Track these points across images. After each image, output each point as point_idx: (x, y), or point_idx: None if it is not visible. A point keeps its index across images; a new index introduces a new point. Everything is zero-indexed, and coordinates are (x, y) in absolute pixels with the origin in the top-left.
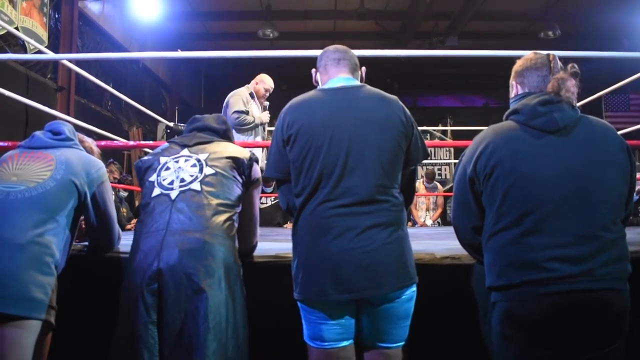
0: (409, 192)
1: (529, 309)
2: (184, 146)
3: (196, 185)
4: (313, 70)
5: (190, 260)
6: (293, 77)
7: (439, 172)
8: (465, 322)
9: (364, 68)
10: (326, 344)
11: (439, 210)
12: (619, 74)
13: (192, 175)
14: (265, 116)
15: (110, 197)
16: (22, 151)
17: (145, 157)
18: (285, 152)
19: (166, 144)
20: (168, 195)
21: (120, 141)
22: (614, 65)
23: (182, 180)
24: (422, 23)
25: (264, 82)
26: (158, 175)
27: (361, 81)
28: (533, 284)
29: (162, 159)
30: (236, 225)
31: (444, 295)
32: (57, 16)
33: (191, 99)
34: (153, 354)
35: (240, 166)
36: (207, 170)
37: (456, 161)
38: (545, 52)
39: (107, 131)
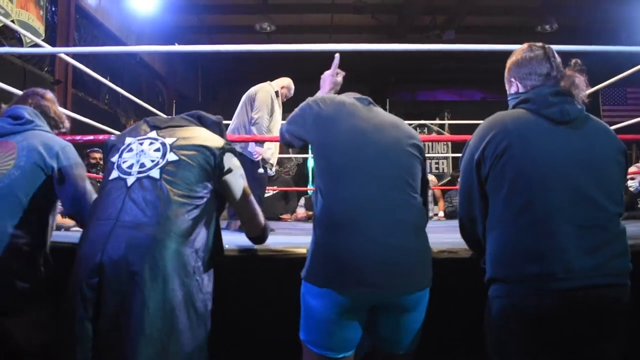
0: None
1: (540, 304)
2: (154, 127)
3: (155, 173)
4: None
5: (135, 257)
6: (290, 71)
7: (437, 165)
8: (463, 317)
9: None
10: (327, 352)
11: (441, 201)
12: (615, 68)
13: (152, 161)
14: (268, 152)
15: (79, 171)
16: None
17: (113, 136)
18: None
19: (139, 122)
20: (125, 181)
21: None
22: (611, 59)
23: (142, 165)
24: (419, 17)
25: (290, 89)
26: (120, 157)
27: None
28: (547, 278)
29: (127, 140)
30: (202, 219)
31: (440, 291)
32: (53, 9)
33: (188, 91)
34: (86, 351)
35: (210, 156)
36: (170, 157)
37: (454, 155)
38: (539, 44)
39: (104, 124)
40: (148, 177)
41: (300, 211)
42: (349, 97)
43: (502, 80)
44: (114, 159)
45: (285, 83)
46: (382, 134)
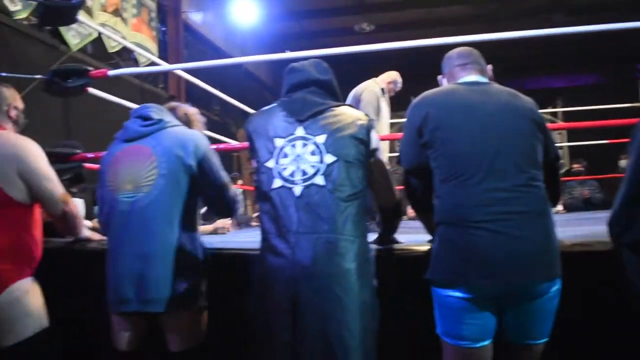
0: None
1: None
2: (295, 122)
3: (319, 180)
4: (439, 77)
5: (323, 266)
6: (392, 69)
7: None
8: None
9: (490, 66)
10: (464, 342)
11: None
12: None
13: (313, 167)
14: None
15: (216, 162)
16: (121, 146)
17: (254, 119)
18: (418, 142)
19: (273, 107)
20: (291, 190)
21: (230, 144)
22: None
23: (304, 172)
24: (523, 1)
25: (397, 82)
26: (277, 163)
27: (489, 80)
28: None
29: (278, 142)
30: (364, 208)
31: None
32: (164, 29)
33: None
34: (286, 358)
35: (362, 141)
36: (328, 159)
37: (569, 144)
38: None
39: (216, 134)
40: (313, 184)
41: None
42: (460, 85)
43: (619, 62)
44: (270, 164)
45: (391, 78)
46: (499, 120)
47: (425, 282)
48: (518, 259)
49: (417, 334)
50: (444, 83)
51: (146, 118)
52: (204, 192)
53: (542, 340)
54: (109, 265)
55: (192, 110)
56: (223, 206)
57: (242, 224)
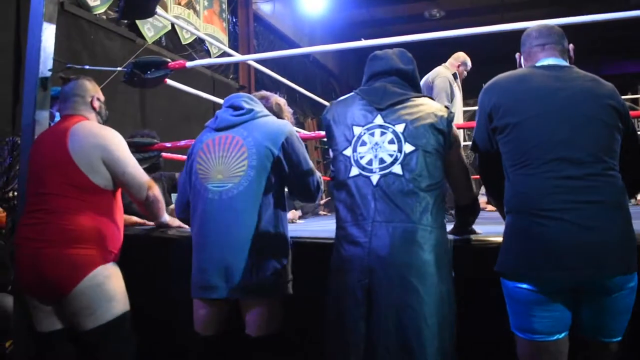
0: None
1: None
2: (374, 108)
3: (397, 169)
4: (517, 54)
5: (400, 255)
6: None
7: None
8: None
9: (571, 45)
10: (537, 336)
11: None
12: None
13: (391, 155)
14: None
15: (302, 150)
16: (213, 135)
17: (333, 108)
18: (489, 127)
19: (352, 96)
20: (369, 179)
21: (301, 133)
22: None
23: (382, 161)
24: None
25: (466, 63)
26: (354, 151)
27: (570, 62)
28: None
29: (356, 130)
30: (441, 199)
31: None
32: (234, 20)
33: (359, 86)
34: (359, 349)
35: (442, 131)
36: (407, 148)
37: None
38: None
39: None
40: (391, 173)
41: (484, 199)
42: (536, 69)
43: None
44: (347, 152)
45: (459, 60)
46: (575, 107)
47: (497, 274)
48: (589, 250)
49: (493, 329)
50: (522, 61)
51: (237, 108)
52: (288, 177)
53: (616, 339)
54: (195, 251)
55: (283, 101)
56: (305, 192)
57: (309, 213)
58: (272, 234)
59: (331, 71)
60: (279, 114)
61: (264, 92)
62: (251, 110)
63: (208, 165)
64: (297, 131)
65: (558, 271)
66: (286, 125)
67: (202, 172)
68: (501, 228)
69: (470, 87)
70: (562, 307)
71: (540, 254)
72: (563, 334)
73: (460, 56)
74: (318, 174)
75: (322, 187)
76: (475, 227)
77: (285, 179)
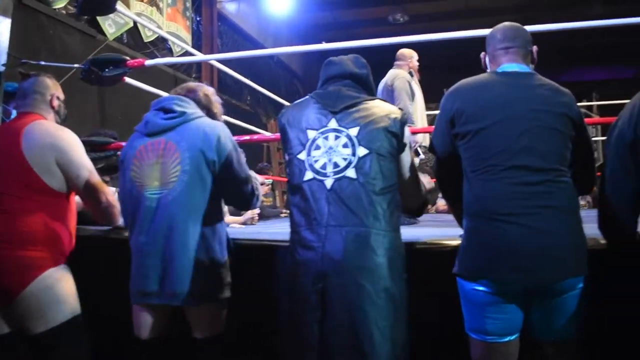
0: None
1: None
2: (329, 113)
3: (351, 173)
4: (482, 54)
5: (354, 259)
6: (426, 60)
7: None
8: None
9: (535, 47)
10: (489, 337)
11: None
12: None
13: (345, 159)
14: (419, 136)
15: (238, 156)
16: (144, 141)
17: (288, 111)
18: (450, 132)
19: (306, 99)
20: (323, 183)
21: (261, 134)
22: None
23: (336, 165)
24: None
25: (413, 56)
26: (308, 155)
27: (532, 62)
28: None
29: (310, 134)
30: (397, 201)
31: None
32: (198, 19)
33: None
34: (314, 352)
35: (395, 134)
36: (361, 152)
37: (603, 138)
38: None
39: (246, 124)
40: (345, 177)
41: (442, 202)
42: (497, 76)
43: None
44: (302, 156)
45: (407, 57)
46: (532, 117)
47: (453, 276)
48: (547, 253)
49: (448, 331)
50: (486, 61)
51: (168, 110)
52: (222, 185)
53: (569, 339)
54: (134, 257)
55: (211, 90)
56: (239, 198)
57: (271, 216)
58: (210, 238)
59: (295, 72)
60: (207, 106)
61: (190, 84)
62: (183, 113)
63: (143, 172)
64: (259, 133)
65: (516, 273)
66: (219, 126)
67: (137, 179)
68: (456, 231)
69: (432, 92)
70: (515, 309)
71: (499, 256)
72: (514, 336)
73: (406, 53)
74: (257, 179)
75: (259, 193)
76: (431, 229)
77: (219, 183)
